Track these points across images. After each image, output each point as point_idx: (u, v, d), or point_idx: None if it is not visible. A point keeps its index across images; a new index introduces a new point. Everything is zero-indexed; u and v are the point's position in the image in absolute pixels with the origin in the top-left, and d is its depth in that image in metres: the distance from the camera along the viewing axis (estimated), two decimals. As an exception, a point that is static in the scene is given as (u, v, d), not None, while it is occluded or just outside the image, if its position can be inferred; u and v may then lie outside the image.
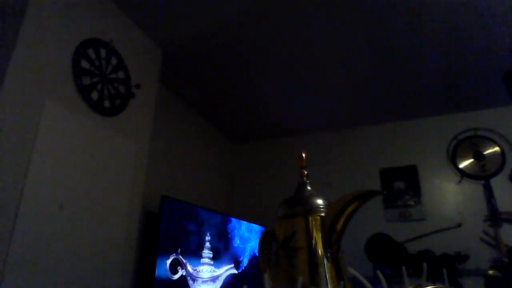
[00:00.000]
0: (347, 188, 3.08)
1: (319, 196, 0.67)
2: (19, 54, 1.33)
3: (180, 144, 2.81)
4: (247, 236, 2.77)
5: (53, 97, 1.44)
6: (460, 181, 2.88)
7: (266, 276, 0.57)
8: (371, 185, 3.08)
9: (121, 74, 1.83)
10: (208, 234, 2.37)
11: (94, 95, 1.64)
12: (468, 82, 2.60)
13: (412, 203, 2.92)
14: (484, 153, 2.88)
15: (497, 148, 2.84)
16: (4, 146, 1.24)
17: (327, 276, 0.59)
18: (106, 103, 1.71)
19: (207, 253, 2.32)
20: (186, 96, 2.83)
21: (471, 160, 2.90)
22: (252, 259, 2.77)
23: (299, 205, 0.67)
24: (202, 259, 2.28)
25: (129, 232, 1.78)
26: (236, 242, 2.64)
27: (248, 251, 2.75)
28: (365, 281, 0.64)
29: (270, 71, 2.49)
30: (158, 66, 2.19)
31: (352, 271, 0.64)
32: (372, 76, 2.55)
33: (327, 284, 0.57)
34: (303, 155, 0.74)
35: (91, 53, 1.66)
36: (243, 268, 2.65)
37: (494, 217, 2.65)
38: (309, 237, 0.62)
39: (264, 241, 0.72)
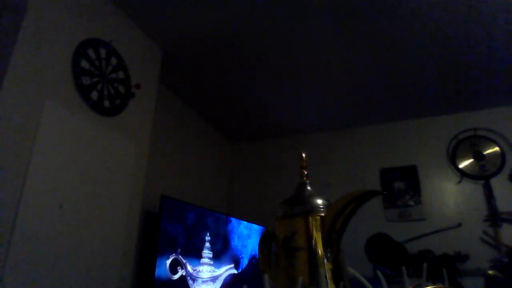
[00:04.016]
0: (347, 188, 3.08)
1: (319, 196, 0.67)
2: (19, 54, 1.33)
3: (180, 144, 2.81)
4: (247, 236, 2.77)
5: (53, 97, 1.44)
6: (460, 181, 2.88)
7: (266, 276, 0.57)
8: (371, 185, 3.08)
9: (121, 74, 1.83)
10: (208, 234, 2.37)
11: (94, 95, 1.64)
12: (468, 82, 2.60)
13: (412, 203, 2.92)
14: (484, 153, 2.87)
15: (497, 148, 2.84)
16: (4, 146, 1.24)
17: (327, 276, 0.59)
18: (106, 103, 1.71)
19: (207, 253, 2.32)
20: (186, 96, 2.83)
21: (471, 160, 2.90)
22: (252, 259, 2.77)
23: (299, 205, 0.66)
24: (202, 259, 2.28)
25: (129, 232, 1.78)
26: (236, 242, 2.64)
27: (248, 251, 2.75)
28: (365, 281, 0.64)
29: (270, 71, 2.49)
30: (158, 66, 2.19)
31: (352, 271, 0.64)
32: (372, 76, 2.55)
33: (327, 284, 0.57)
34: (303, 155, 0.74)
35: (91, 53, 1.66)
36: (243, 268, 2.64)
37: (494, 217, 2.65)
38: (309, 237, 0.62)
39: (264, 241, 0.72)
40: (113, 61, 1.79)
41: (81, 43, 1.61)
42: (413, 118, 3.16)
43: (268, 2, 1.87)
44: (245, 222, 2.81)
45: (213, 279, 2.34)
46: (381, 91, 2.74)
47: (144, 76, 2.02)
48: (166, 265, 2.01)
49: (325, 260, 0.60)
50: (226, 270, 2.47)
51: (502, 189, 2.73)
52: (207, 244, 2.34)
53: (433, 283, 0.77)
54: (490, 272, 2.42)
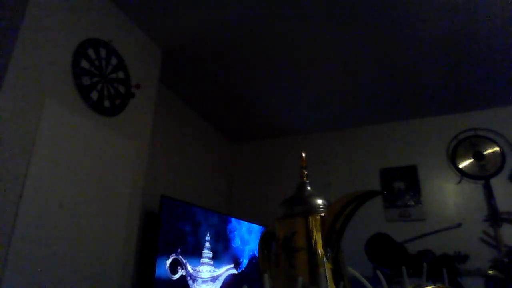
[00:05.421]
0: (347, 188, 3.08)
1: (319, 196, 0.67)
2: (19, 54, 1.33)
3: (180, 144, 2.81)
4: (247, 236, 2.77)
5: (53, 97, 1.44)
6: (460, 181, 2.88)
7: (266, 276, 0.57)
8: (371, 185, 3.08)
9: (121, 74, 1.83)
10: (208, 234, 2.37)
11: (94, 95, 1.64)
12: (468, 82, 2.60)
13: (412, 203, 2.92)
14: (484, 153, 2.87)
15: (497, 148, 2.84)
16: (4, 146, 1.24)
17: (327, 276, 0.59)
18: (106, 103, 1.71)
19: (207, 253, 2.32)
20: (186, 96, 2.83)
21: (471, 160, 2.90)
22: (252, 259, 2.77)
23: (299, 205, 0.66)
24: (202, 259, 2.28)
25: (129, 232, 1.78)
26: (236, 242, 2.64)
27: (248, 251, 2.75)
28: (365, 281, 0.64)
29: (270, 70, 2.49)
30: (158, 66, 2.19)
31: (352, 271, 0.64)
32: (372, 76, 2.55)
33: (327, 284, 0.57)
34: (303, 155, 0.74)
35: (91, 53, 1.66)
36: (243, 268, 2.64)
37: (494, 217, 2.65)
38: (309, 237, 0.62)
39: (264, 241, 0.72)
40: (113, 61, 1.79)
41: (81, 43, 1.61)
42: (413, 118, 3.16)
43: (268, 2, 1.87)
44: (245, 222, 2.81)
45: (213, 279, 2.34)
46: (381, 91, 2.74)
47: (144, 76, 2.02)
48: (166, 265, 2.01)
49: (325, 260, 0.60)
50: (226, 270, 2.47)
51: (502, 189, 2.73)
52: (207, 244, 2.34)
53: (433, 283, 0.77)
54: (490, 272, 2.42)
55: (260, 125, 3.37)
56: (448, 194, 2.88)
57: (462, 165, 2.91)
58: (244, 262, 2.67)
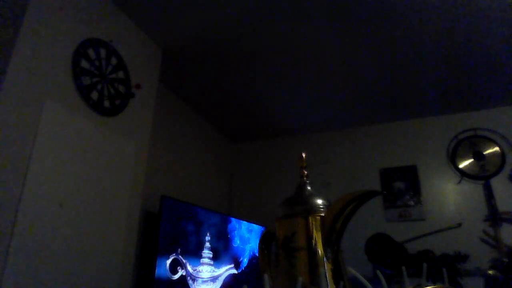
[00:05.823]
0: (347, 188, 3.08)
1: (319, 196, 0.67)
2: (19, 54, 1.33)
3: (180, 144, 2.81)
4: (247, 236, 2.77)
5: (53, 97, 1.44)
6: (460, 181, 2.88)
7: (266, 276, 0.57)
8: (371, 185, 3.08)
9: (121, 74, 1.83)
10: (208, 234, 2.37)
11: (94, 95, 1.64)
12: (468, 82, 2.60)
13: (412, 203, 2.92)
14: (484, 153, 2.87)
15: (497, 148, 2.84)
16: (4, 146, 1.24)
17: (327, 276, 0.59)
18: (106, 103, 1.71)
19: (207, 253, 2.32)
20: (186, 96, 2.83)
21: (471, 160, 2.90)
22: (252, 259, 2.77)
23: (299, 205, 0.67)
24: (202, 259, 2.28)
25: (129, 232, 1.78)
26: (236, 242, 2.64)
27: (248, 251, 2.75)
28: (365, 281, 0.64)
29: (270, 71, 2.49)
30: (158, 66, 2.19)
31: (352, 271, 0.64)
32: (373, 76, 2.55)
33: (327, 284, 0.57)
34: (303, 155, 0.74)
35: (91, 53, 1.66)
36: (243, 268, 2.64)
37: (494, 217, 2.65)
38: (309, 237, 0.62)
39: (264, 241, 0.72)
40: (113, 61, 1.79)
41: (81, 43, 1.61)
42: (413, 118, 3.16)
43: (268, 2, 1.87)
44: (245, 222, 2.81)
45: (213, 279, 2.34)
46: (381, 91, 2.74)
47: (144, 76, 2.02)
48: (166, 265, 2.01)
49: (325, 260, 0.60)
50: (226, 270, 2.47)
51: (502, 189, 2.73)
52: (207, 244, 2.34)
53: (433, 283, 0.77)
54: (490, 272, 2.42)
55: (260, 125, 3.37)
56: (448, 194, 2.88)
57: (462, 165, 2.91)
58: (244, 262, 2.67)
